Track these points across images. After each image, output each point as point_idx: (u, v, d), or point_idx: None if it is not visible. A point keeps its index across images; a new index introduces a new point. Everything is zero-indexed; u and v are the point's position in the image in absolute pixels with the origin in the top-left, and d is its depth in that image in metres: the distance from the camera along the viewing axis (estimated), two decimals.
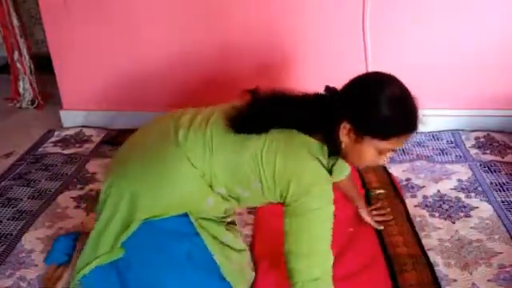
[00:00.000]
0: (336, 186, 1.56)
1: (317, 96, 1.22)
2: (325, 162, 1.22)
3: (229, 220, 1.43)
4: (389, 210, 1.74)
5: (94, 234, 1.28)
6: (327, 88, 1.19)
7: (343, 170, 1.57)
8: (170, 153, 1.24)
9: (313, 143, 1.20)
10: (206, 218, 1.32)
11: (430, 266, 1.48)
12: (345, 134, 1.16)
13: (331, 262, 1.20)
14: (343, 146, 1.18)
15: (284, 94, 1.23)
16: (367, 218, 1.67)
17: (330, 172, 1.26)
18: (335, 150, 1.21)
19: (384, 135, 1.13)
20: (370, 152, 1.16)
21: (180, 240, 1.27)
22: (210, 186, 1.25)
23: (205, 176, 1.24)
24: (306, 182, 1.16)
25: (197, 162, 1.22)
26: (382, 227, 1.65)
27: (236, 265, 1.36)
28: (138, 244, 1.25)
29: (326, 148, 1.22)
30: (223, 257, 1.32)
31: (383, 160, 1.21)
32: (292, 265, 1.18)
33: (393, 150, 1.23)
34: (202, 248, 1.29)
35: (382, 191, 1.86)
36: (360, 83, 1.17)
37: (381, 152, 1.17)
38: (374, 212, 1.71)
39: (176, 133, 1.25)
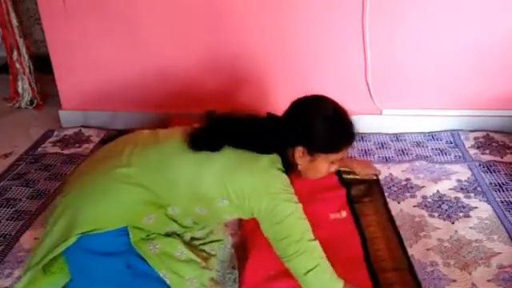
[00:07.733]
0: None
1: (264, 120, 1.35)
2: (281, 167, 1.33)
3: (199, 237, 1.45)
4: None
5: (36, 245, 1.34)
6: (269, 115, 1.36)
7: None
8: (113, 172, 1.28)
9: (267, 156, 1.30)
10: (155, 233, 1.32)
11: (416, 279, 1.43)
12: (300, 157, 1.32)
13: (319, 247, 1.26)
14: (299, 167, 1.35)
15: (237, 116, 1.35)
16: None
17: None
18: (288, 169, 1.34)
19: (335, 149, 1.33)
20: (324, 165, 1.35)
21: (117, 256, 1.27)
22: (155, 204, 1.28)
23: (150, 194, 1.27)
24: (275, 191, 1.25)
25: (143, 181, 1.27)
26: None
27: (193, 281, 1.33)
28: (77, 262, 1.28)
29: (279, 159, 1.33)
30: (170, 272, 1.29)
31: (334, 167, 1.41)
32: (287, 265, 1.26)
33: (341, 158, 1.41)
34: (140, 260, 1.27)
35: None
36: (298, 108, 1.33)
37: (333, 162, 1.37)
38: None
39: (124, 152, 1.31)
